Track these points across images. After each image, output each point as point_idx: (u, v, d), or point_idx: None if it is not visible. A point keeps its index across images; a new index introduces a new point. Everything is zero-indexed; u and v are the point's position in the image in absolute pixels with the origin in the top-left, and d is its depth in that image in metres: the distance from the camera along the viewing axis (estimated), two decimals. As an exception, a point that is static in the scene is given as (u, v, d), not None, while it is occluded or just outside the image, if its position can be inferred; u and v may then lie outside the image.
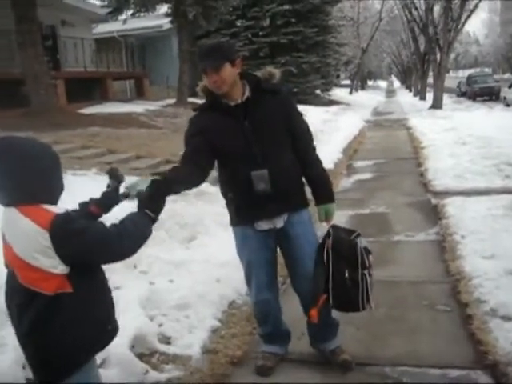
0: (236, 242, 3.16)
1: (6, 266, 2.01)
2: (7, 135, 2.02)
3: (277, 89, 3.00)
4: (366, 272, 2.91)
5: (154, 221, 2.13)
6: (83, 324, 1.99)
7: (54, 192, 2.01)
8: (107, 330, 2.11)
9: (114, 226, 2.00)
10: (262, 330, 3.33)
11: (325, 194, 3.13)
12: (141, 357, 3.22)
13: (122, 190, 2.37)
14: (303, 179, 3.13)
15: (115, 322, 2.18)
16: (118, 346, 2.99)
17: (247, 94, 2.92)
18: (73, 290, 1.94)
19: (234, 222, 3.12)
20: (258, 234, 3.03)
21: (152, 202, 2.15)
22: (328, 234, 2.98)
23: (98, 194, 2.37)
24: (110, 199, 2.32)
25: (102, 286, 2.12)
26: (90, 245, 1.92)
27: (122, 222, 2.03)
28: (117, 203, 2.35)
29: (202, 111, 3.02)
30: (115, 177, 2.34)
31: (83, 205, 2.31)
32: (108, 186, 2.34)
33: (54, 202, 2.00)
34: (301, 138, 3.05)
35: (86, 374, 2.04)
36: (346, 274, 2.89)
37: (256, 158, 2.88)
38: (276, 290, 3.27)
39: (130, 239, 1.99)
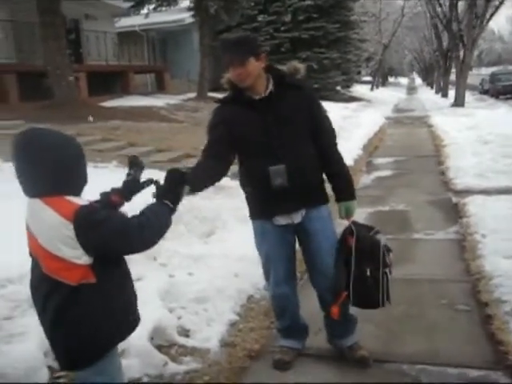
0: (255, 235, 3.17)
1: (30, 254, 2.04)
2: (32, 127, 2.04)
3: (301, 84, 3.01)
4: (386, 270, 2.93)
5: (173, 211, 2.14)
6: (105, 314, 2.02)
7: (77, 184, 2.03)
8: (129, 320, 2.14)
9: (135, 217, 2.02)
10: (280, 324, 3.34)
11: (346, 191, 3.12)
12: (160, 348, 3.25)
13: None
14: (324, 175, 3.12)
15: (137, 312, 2.20)
16: (138, 338, 3.02)
17: (271, 88, 2.92)
18: (96, 281, 1.97)
19: (253, 215, 3.13)
20: (277, 228, 3.03)
21: (170, 193, 2.17)
22: (350, 231, 2.98)
23: (119, 185, 2.38)
24: (131, 187, 2.33)
25: (124, 277, 2.15)
26: (112, 236, 1.94)
27: (142, 213, 2.04)
28: (138, 191, 2.35)
29: (225, 103, 3.03)
30: (136, 165, 2.35)
31: (104, 194, 2.33)
32: (128, 175, 2.34)
33: (78, 193, 2.02)
34: (323, 135, 3.04)
35: (108, 362, 2.07)
36: (368, 272, 2.90)
37: (275, 153, 2.89)
38: (294, 285, 3.27)
39: (150, 230, 2.01)
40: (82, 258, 1.93)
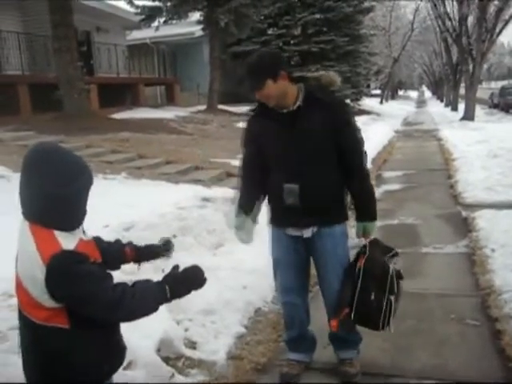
0: (270, 240, 3.20)
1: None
2: (50, 144, 1.88)
3: (331, 101, 2.89)
4: (392, 298, 2.89)
5: (166, 301, 1.87)
6: (74, 363, 1.82)
7: (75, 218, 1.84)
8: (102, 371, 1.91)
9: (122, 289, 1.78)
10: (288, 335, 3.32)
11: (367, 211, 3.06)
12: (167, 360, 3.24)
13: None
14: (345, 195, 3.04)
15: (115, 359, 2.01)
16: (145, 349, 3.02)
17: (299, 102, 2.85)
18: (69, 327, 1.77)
19: (270, 222, 3.17)
20: (289, 237, 3.06)
21: (180, 284, 1.89)
22: (364, 251, 2.98)
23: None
24: (146, 255, 2.28)
25: (107, 326, 1.91)
26: (83, 297, 1.73)
27: (134, 285, 1.82)
28: (149, 260, 2.33)
29: (256, 114, 3.02)
30: (165, 248, 2.33)
31: (120, 242, 2.25)
32: (153, 246, 2.32)
33: (74, 227, 1.83)
34: (349, 155, 2.92)
35: None
36: (372, 296, 2.86)
37: (293, 169, 2.89)
38: (303, 295, 3.25)
39: (129, 309, 1.78)
40: (49, 302, 1.72)
